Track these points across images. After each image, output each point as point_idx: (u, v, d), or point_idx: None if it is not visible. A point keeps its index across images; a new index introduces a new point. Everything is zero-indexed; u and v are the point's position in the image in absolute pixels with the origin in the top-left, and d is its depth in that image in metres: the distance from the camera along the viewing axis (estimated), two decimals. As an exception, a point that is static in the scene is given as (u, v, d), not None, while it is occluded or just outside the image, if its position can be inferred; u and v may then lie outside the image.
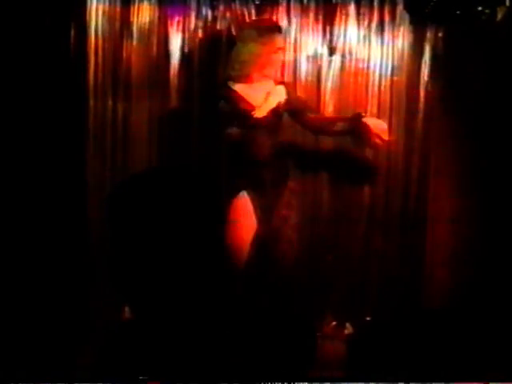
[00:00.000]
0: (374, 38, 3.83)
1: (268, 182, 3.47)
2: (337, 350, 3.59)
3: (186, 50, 3.87)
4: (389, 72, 3.84)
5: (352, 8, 3.80)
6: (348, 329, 3.92)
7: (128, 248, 1.03)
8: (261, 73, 3.50)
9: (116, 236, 1.05)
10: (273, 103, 3.50)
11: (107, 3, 3.85)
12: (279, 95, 3.54)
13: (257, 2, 3.85)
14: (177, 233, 1.06)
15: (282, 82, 3.63)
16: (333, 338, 3.80)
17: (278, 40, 3.49)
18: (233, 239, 3.41)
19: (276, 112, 3.50)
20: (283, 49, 3.60)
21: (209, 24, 3.86)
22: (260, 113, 3.46)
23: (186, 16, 3.86)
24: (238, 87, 3.50)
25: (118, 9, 3.86)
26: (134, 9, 3.86)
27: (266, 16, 3.83)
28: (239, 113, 3.45)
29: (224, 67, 3.67)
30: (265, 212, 3.45)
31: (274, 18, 3.83)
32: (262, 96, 3.49)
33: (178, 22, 3.87)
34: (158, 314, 1.06)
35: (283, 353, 3.32)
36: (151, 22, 3.87)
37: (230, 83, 3.52)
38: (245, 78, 3.51)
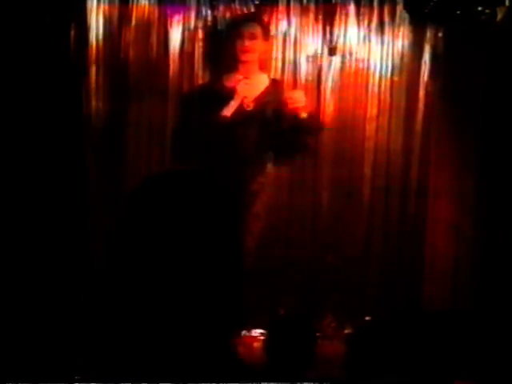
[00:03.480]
0: (374, 38, 3.83)
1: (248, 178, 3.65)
2: (336, 350, 3.58)
3: (186, 49, 3.88)
4: (389, 72, 3.84)
5: (352, 8, 3.80)
6: (348, 329, 3.91)
7: (144, 251, 1.03)
8: (242, 62, 3.70)
9: (131, 239, 1.05)
10: (257, 91, 3.71)
11: (107, 3, 3.85)
12: (262, 83, 3.75)
13: (256, 2, 3.85)
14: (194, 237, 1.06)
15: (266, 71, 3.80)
16: (332, 338, 3.79)
17: (246, 26, 3.66)
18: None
19: (259, 100, 3.68)
20: (252, 35, 3.67)
21: (209, 24, 3.87)
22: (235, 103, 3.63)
23: (185, 16, 3.86)
24: (227, 78, 3.73)
25: (118, 9, 3.86)
26: (134, 9, 3.86)
27: (266, 16, 3.84)
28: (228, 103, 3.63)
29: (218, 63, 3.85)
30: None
31: (274, 18, 3.84)
32: (249, 86, 3.68)
33: (178, 21, 3.87)
34: (170, 317, 1.06)
35: (281, 352, 3.32)
36: (151, 22, 3.87)
37: (223, 77, 3.76)
38: (232, 69, 3.73)
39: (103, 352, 1.25)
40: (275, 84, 3.78)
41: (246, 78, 3.67)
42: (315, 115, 3.74)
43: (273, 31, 3.83)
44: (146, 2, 3.85)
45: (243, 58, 3.69)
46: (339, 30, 3.82)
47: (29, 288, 3.59)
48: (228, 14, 3.85)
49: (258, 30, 3.69)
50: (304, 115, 3.60)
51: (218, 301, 1.18)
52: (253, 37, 3.67)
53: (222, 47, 3.80)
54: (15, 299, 3.52)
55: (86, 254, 3.84)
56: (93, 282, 3.83)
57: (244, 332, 3.76)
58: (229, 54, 3.75)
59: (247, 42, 3.67)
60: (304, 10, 3.83)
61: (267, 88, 3.75)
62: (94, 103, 3.87)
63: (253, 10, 3.85)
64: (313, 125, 3.71)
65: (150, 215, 1.17)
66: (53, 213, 3.74)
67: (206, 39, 3.87)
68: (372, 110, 3.84)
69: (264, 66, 3.80)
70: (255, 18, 3.75)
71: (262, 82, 3.76)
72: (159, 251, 1.16)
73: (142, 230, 1.19)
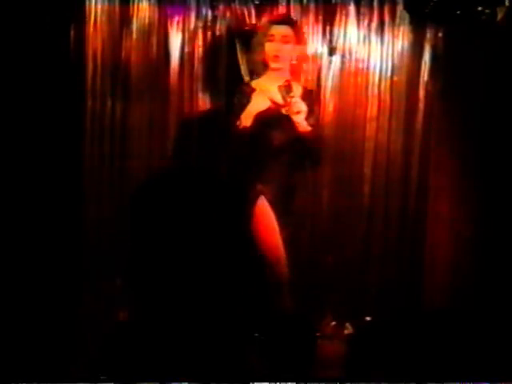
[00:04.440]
0: (373, 38, 3.83)
1: (281, 183, 3.41)
2: (336, 350, 3.58)
3: (187, 49, 3.88)
4: (389, 72, 3.84)
5: (352, 8, 3.80)
6: (348, 329, 3.91)
7: (152, 250, 1.03)
8: (268, 66, 3.48)
9: (140, 237, 1.04)
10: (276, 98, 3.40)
11: (107, 3, 3.85)
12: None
13: (256, 2, 3.85)
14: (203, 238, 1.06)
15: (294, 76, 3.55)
16: (332, 338, 3.79)
17: (274, 28, 3.46)
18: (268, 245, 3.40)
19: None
20: (284, 39, 3.45)
21: (209, 24, 3.86)
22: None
23: (185, 16, 3.86)
24: (254, 82, 3.53)
25: (118, 9, 3.86)
26: (134, 9, 3.87)
27: (266, 16, 3.84)
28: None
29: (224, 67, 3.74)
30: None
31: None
32: (274, 89, 3.39)
33: (178, 21, 3.87)
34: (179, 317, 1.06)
35: (283, 352, 3.32)
36: (151, 22, 3.87)
37: (246, 79, 3.59)
38: (257, 73, 3.54)
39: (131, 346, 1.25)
40: (308, 94, 3.54)
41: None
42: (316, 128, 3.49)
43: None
44: (146, 2, 3.85)
45: (274, 64, 3.45)
46: (339, 29, 3.82)
47: (26, 286, 3.59)
48: (228, 14, 3.85)
49: (290, 34, 3.47)
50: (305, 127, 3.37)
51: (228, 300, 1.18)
52: (285, 40, 3.45)
53: (250, 53, 3.62)
54: (14, 299, 3.53)
55: (82, 250, 3.85)
56: (90, 279, 3.84)
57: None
58: (257, 61, 3.54)
59: (278, 47, 3.44)
60: (304, 10, 3.83)
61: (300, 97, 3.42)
62: (93, 104, 3.87)
63: (253, 10, 3.85)
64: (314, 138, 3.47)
65: (156, 213, 1.17)
66: (52, 213, 3.74)
67: (230, 44, 3.80)
68: (372, 110, 3.84)
69: (296, 74, 3.60)
70: (287, 21, 3.53)
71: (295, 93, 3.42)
72: (168, 246, 1.16)
73: (149, 227, 1.19)
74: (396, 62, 3.83)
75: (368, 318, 3.91)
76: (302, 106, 3.33)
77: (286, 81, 3.34)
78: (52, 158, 3.76)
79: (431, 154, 3.87)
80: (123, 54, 3.87)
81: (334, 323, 3.94)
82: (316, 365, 3.37)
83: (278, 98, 3.35)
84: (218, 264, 1.21)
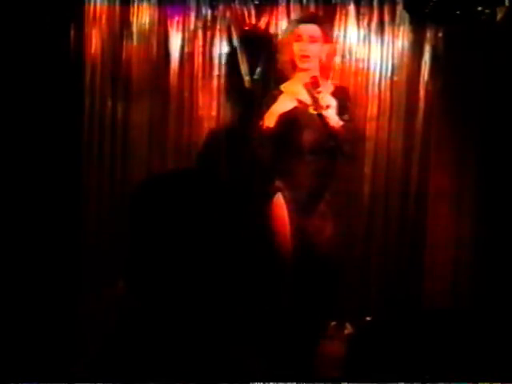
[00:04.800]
0: (373, 37, 3.83)
1: (307, 184, 3.35)
2: (337, 350, 3.58)
3: (187, 49, 3.88)
4: (389, 72, 3.84)
5: (352, 8, 3.80)
6: (348, 329, 3.91)
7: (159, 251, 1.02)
8: (297, 66, 3.39)
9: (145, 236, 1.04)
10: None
11: (107, 3, 3.85)
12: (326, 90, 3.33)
13: (256, 2, 3.85)
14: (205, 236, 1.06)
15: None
16: (333, 338, 3.78)
17: (301, 29, 3.38)
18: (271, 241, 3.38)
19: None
20: (312, 39, 3.36)
21: (209, 24, 3.87)
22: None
23: (185, 16, 3.86)
24: (283, 85, 3.43)
25: (118, 9, 3.86)
26: (134, 9, 3.87)
27: (266, 16, 3.84)
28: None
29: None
30: (299, 217, 3.35)
31: (274, 18, 3.84)
32: (302, 90, 3.29)
33: (178, 21, 3.87)
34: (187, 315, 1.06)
35: (283, 351, 3.32)
36: (151, 22, 3.87)
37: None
38: (286, 73, 3.45)
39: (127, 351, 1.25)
40: (340, 90, 3.44)
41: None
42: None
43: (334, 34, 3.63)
44: (147, 2, 3.85)
45: (302, 64, 3.37)
46: (339, 30, 3.82)
47: (26, 287, 3.59)
48: (228, 14, 3.85)
49: (317, 33, 3.37)
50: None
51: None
52: (312, 40, 3.37)
53: (278, 53, 3.53)
54: (14, 299, 3.52)
55: (82, 249, 3.85)
56: (90, 276, 3.84)
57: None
58: (285, 61, 3.45)
59: (306, 46, 3.36)
60: (304, 10, 3.83)
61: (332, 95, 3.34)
62: (92, 104, 3.88)
63: (253, 10, 3.85)
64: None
65: (157, 215, 1.17)
66: (51, 213, 3.74)
67: (258, 44, 3.80)
68: (372, 110, 3.84)
69: (325, 72, 3.49)
70: (315, 19, 3.45)
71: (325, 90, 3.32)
72: (169, 246, 1.16)
73: (150, 229, 1.19)
74: (396, 61, 3.84)
75: (368, 318, 3.91)
76: (331, 101, 3.23)
77: (312, 77, 3.25)
78: (52, 157, 3.76)
79: (431, 154, 3.87)
80: (123, 53, 3.88)
81: (334, 323, 3.94)
82: (316, 365, 3.37)
83: (306, 98, 3.26)
84: (226, 259, 1.21)
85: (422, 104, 3.83)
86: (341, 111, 3.30)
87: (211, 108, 3.90)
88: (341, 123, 3.25)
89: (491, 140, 3.79)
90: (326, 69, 3.48)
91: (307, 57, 3.36)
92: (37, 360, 3.12)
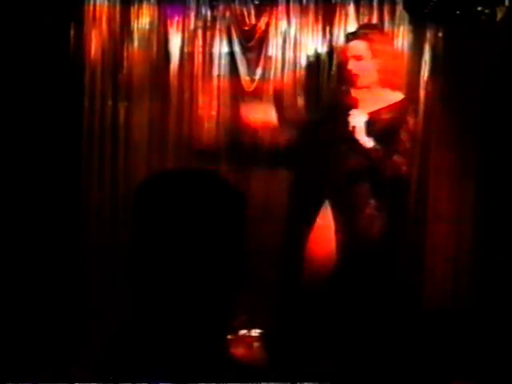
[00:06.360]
0: (373, 38, 3.82)
1: (353, 194, 3.34)
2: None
3: (187, 49, 3.88)
4: (389, 72, 3.83)
5: (352, 8, 3.80)
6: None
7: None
8: (355, 83, 3.33)
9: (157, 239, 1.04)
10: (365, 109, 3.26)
11: (107, 3, 3.85)
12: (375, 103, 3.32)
13: (256, 2, 3.85)
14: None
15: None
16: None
17: (349, 48, 3.33)
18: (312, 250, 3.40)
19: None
20: (356, 57, 3.29)
21: (208, 24, 3.87)
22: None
23: (185, 16, 3.86)
24: (353, 91, 3.34)
25: (118, 9, 3.86)
26: (134, 9, 3.87)
27: (266, 16, 3.84)
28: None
29: None
30: (344, 225, 3.35)
31: (274, 18, 3.84)
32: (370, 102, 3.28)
33: (178, 21, 3.87)
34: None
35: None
36: (151, 22, 3.87)
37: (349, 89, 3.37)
38: (354, 85, 3.35)
39: (106, 352, 1.25)
40: (403, 104, 3.38)
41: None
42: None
43: (379, 48, 3.32)
44: (147, 2, 3.85)
45: (357, 83, 3.30)
46: (339, 30, 3.82)
47: (27, 287, 3.59)
48: (228, 14, 3.85)
49: (362, 50, 3.27)
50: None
51: (218, 300, 1.18)
52: (358, 57, 3.28)
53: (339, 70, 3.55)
54: (14, 299, 3.53)
55: (83, 250, 3.85)
56: (92, 279, 3.83)
57: (243, 332, 3.76)
58: (344, 78, 3.42)
59: (353, 65, 3.28)
60: (304, 10, 3.83)
61: (393, 105, 3.33)
62: (92, 104, 3.88)
63: (252, 10, 3.84)
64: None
65: (160, 217, 1.16)
66: (51, 213, 3.74)
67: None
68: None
69: (391, 84, 3.39)
70: (358, 35, 3.32)
71: (387, 100, 3.33)
72: (168, 250, 1.15)
73: (153, 231, 1.18)
74: (396, 61, 3.83)
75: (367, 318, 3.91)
76: (357, 121, 3.18)
77: (351, 97, 3.26)
78: (52, 157, 3.76)
79: (431, 154, 3.87)
80: (123, 53, 3.88)
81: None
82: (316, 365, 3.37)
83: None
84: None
85: (421, 104, 3.83)
86: (404, 128, 3.25)
87: (211, 108, 3.90)
88: (371, 144, 3.20)
89: (491, 139, 3.79)
90: (388, 80, 3.36)
91: (356, 75, 3.30)
92: (37, 360, 3.12)
